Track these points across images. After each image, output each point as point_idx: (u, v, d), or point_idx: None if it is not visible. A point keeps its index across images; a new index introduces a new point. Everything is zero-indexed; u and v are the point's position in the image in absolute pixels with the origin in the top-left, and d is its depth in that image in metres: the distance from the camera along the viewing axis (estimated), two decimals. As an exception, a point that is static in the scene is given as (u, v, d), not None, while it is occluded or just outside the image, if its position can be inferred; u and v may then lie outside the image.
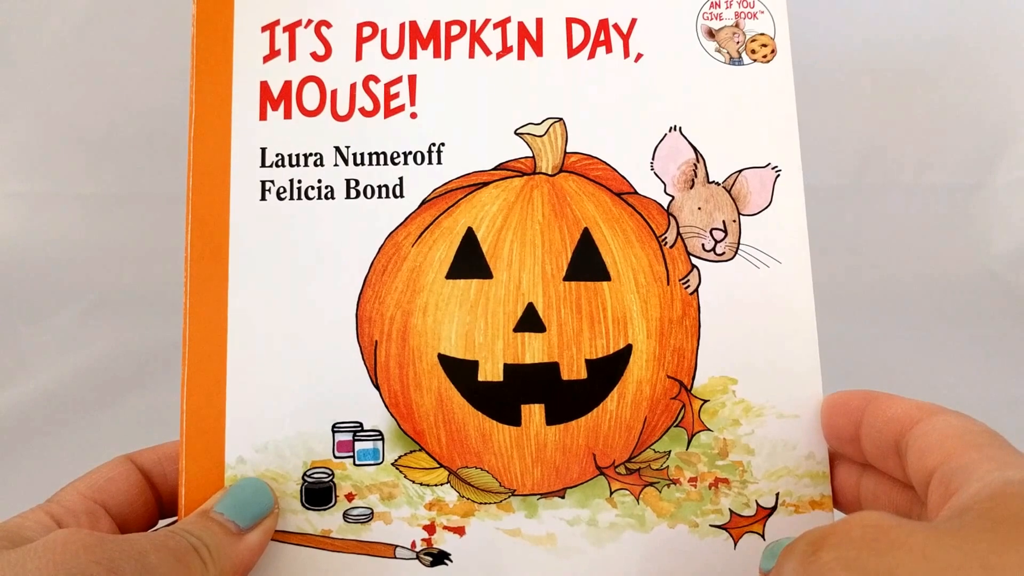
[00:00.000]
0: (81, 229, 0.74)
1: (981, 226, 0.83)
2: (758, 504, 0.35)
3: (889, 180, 0.82)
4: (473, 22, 0.38)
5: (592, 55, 0.38)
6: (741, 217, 0.36)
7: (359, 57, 0.38)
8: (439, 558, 0.35)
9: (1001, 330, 0.76)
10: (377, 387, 0.35)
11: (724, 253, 0.36)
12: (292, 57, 0.38)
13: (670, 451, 0.35)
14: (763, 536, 0.35)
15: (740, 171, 0.37)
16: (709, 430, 0.36)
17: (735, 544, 0.35)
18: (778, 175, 0.37)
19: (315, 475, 0.35)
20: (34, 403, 0.68)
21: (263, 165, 0.37)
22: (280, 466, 0.35)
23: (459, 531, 0.35)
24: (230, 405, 0.35)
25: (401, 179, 0.37)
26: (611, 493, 0.35)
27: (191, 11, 0.38)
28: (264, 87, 0.38)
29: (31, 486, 0.35)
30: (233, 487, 0.34)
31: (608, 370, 0.36)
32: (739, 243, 0.36)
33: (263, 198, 0.37)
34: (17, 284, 0.73)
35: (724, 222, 0.36)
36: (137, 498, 0.34)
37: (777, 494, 0.35)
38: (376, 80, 0.38)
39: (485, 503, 0.35)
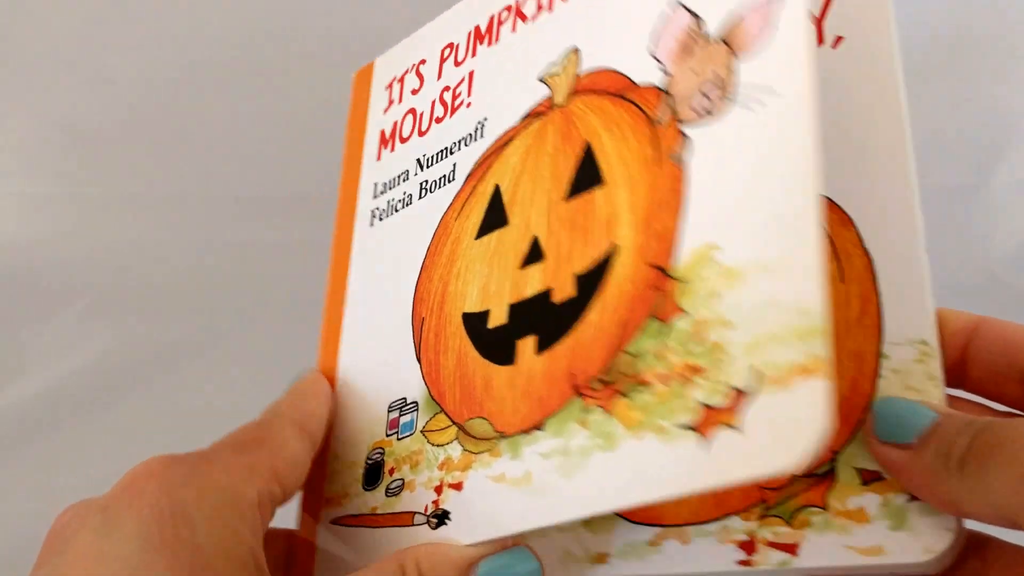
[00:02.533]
0: (81, 229, 0.76)
1: (981, 227, 0.82)
2: (733, 388, 0.25)
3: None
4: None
5: None
6: (741, 65, 0.29)
7: (440, 76, 0.41)
8: (441, 518, 0.32)
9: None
10: (419, 360, 0.35)
11: (718, 108, 0.29)
12: (400, 100, 0.42)
13: (643, 349, 0.28)
14: (739, 430, 0.24)
15: (739, 14, 0.29)
16: (685, 312, 0.27)
17: (709, 447, 0.25)
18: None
19: (373, 456, 0.35)
20: (34, 403, 0.70)
21: (374, 197, 0.41)
22: (356, 454, 0.36)
23: (458, 487, 0.32)
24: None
25: (455, 165, 0.38)
26: (586, 413, 0.29)
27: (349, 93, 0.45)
28: (382, 135, 0.42)
29: (31, 486, 0.34)
30: (500, 555, 0.30)
31: (596, 279, 0.30)
32: (737, 90, 0.29)
33: (371, 225, 0.41)
34: (17, 284, 0.75)
35: (718, 74, 0.29)
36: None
37: (753, 367, 0.24)
38: (448, 88, 0.40)
39: (480, 452, 0.31)
